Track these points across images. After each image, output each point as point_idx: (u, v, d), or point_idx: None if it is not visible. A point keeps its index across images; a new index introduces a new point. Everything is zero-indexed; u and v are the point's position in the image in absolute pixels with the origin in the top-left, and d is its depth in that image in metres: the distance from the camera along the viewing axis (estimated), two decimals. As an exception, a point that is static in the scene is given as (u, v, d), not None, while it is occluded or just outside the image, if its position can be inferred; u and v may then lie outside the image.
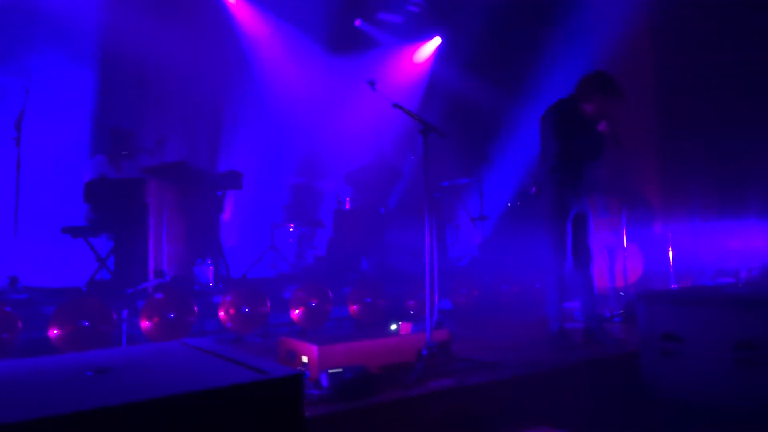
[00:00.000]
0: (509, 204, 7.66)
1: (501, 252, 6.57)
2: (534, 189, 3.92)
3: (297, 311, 4.59)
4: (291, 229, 6.31)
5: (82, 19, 6.03)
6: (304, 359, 2.87)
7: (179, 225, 4.57)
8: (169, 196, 4.52)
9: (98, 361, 1.73)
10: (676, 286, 5.63)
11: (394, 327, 3.64)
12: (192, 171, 4.70)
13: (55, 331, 3.54)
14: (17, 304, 3.70)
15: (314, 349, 2.80)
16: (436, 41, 8.65)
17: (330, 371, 2.61)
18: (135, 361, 1.77)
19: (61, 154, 6.00)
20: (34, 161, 4.95)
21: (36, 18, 5.89)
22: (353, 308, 4.90)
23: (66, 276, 4.98)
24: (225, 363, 1.63)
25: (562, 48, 7.50)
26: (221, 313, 4.27)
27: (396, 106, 3.30)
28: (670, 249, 5.70)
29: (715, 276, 5.80)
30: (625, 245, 4.99)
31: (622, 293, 5.07)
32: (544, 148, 3.87)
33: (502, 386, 2.97)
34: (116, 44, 6.20)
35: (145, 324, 3.88)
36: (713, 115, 6.80)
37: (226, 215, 6.27)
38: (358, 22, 8.17)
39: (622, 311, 4.70)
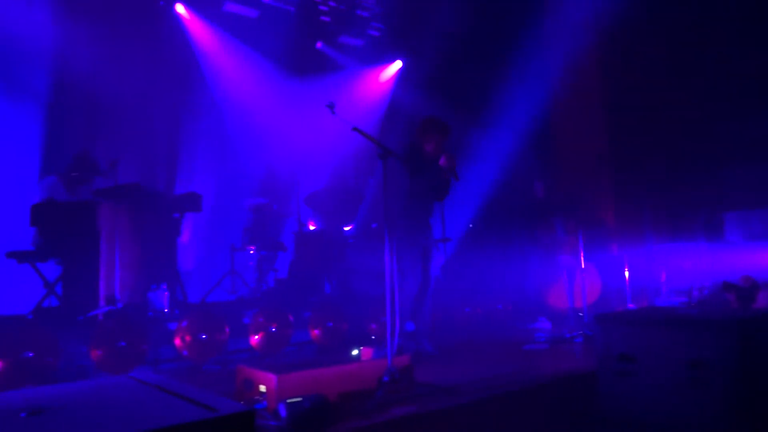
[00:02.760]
0: (471, 226, 7.74)
1: (463, 274, 6.61)
2: (375, 224, 4.26)
3: (256, 337, 4.49)
4: (251, 252, 6.19)
5: (32, 37, 5.86)
6: (262, 388, 2.78)
7: (133, 249, 4.42)
8: (123, 219, 4.37)
9: (35, 400, 1.62)
10: (632, 306, 5.77)
11: (355, 352, 3.60)
12: (147, 193, 4.58)
13: (-4, 364, 3.34)
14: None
15: (272, 378, 2.72)
16: (397, 65, 8.75)
17: (288, 401, 2.55)
18: (75, 399, 1.66)
19: (7, 176, 5.76)
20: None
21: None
22: (314, 332, 4.83)
23: (11, 303, 4.73)
24: (173, 399, 1.55)
25: (519, 72, 7.71)
26: (177, 341, 4.13)
27: (355, 129, 3.31)
28: (626, 269, 5.85)
29: (669, 295, 5.98)
30: (583, 266, 5.08)
31: (580, 314, 5.15)
32: (395, 186, 4.20)
33: (464, 411, 2.95)
34: (68, 63, 6.03)
35: (95, 353, 3.71)
36: (664, 141, 7.11)
37: (184, 238, 6.11)
38: (319, 45, 8.20)
39: (581, 332, 4.77)
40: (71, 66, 6.03)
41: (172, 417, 1.34)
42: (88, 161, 4.94)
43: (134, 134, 6.59)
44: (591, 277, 5.81)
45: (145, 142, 6.76)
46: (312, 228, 6.49)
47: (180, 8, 7.13)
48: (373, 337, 5.00)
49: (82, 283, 4.21)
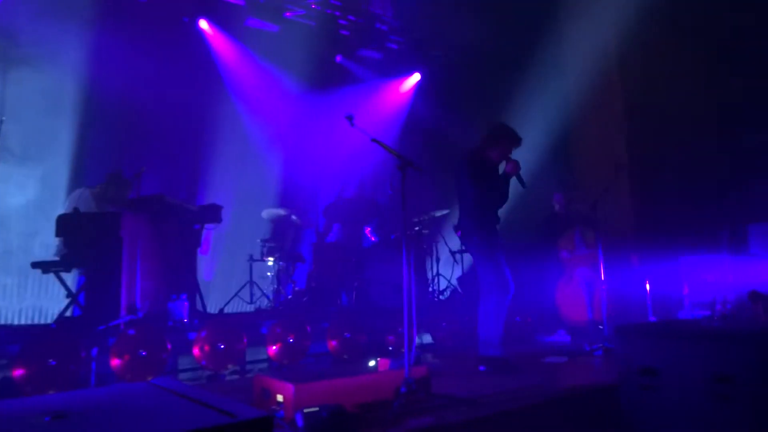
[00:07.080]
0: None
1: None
2: (459, 232, 4.32)
3: (274, 347, 4.51)
4: (270, 263, 6.23)
5: (63, 49, 6.01)
6: (279, 398, 2.79)
7: (154, 259, 4.49)
8: (145, 230, 4.45)
9: (59, 405, 1.66)
10: (654, 319, 5.66)
11: (372, 363, 3.59)
12: (169, 204, 4.64)
13: (20, 371, 3.41)
14: (-19, 343, 3.57)
15: (290, 387, 2.73)
16: (416, 77, 8.80)
17: (305, 410, 2.55)
18: (97, 404, 1.70)
19: (37, 187, 5.90)
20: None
21: (16, 41, 5.85)
22: (332, 343, 4.83)
23: (36, 312, 4.83)
24: (192, 405, 1.57)
25: (537, 85, 7.70)
26: (196, 350, 4.17)
27: (374, 141, 3.34)
28: (647, 282, 5.75)
29: (691, 308, 5.86)
30: (603, 278, 5.02)
31: (600, 326, 5.07)
32: (463, 195, 4.21)
33: (482, 423, 2.92)
34: (96, 75, 6.19)
35: (115, 362, 3.77)
36: (685, 150, 7.01)
37: (204, 249, 6.19)
38: (338, 59, 8.29)
39: (601, 345, 4.70)
40: (99, 79, 6.18)
41: (192, 422, 1.36)
42: (121, 180, 5.05)
43: (158, 146, 6.72)
44: (611, 290, 5.72)
45: (168, 154, 6.88)
46: (329, 240, 6.52)
47: (203, 24, 7.28)
48: (390, 349, 4.99)
49: (104, 292, 4.27)
